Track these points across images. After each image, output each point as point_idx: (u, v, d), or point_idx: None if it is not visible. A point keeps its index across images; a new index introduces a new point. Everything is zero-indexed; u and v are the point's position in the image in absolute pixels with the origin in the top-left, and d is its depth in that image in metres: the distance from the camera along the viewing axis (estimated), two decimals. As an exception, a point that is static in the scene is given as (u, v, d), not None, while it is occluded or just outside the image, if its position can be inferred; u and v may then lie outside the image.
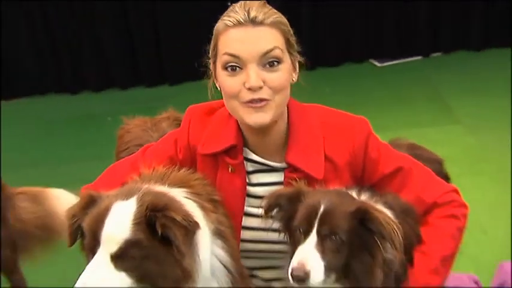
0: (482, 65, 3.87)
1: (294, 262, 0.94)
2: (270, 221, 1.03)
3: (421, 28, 4.30)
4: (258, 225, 1.16)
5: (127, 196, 0.95)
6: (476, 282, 1.59)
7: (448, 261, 1.13)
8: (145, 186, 1.01)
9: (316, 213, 0.95)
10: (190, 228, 0.93)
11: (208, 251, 1.02)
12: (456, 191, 1.19)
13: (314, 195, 1.01)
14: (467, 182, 2.33)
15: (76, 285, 0.90)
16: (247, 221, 1.18)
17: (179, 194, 1.02)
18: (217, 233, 1.06)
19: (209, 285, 1.03)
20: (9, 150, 3.13)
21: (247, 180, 1.18)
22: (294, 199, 1.02)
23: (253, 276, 1.28)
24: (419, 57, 4.23)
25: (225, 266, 1.06)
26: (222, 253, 1.06)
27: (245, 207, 1.18)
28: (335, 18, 4.28)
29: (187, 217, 0.93)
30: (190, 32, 3.96)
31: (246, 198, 1.18)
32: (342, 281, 0.99)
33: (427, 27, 4.30)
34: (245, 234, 1.19)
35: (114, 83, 4.40)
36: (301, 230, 0.97)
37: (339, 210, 0.96)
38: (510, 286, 1.59)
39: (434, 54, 4.24)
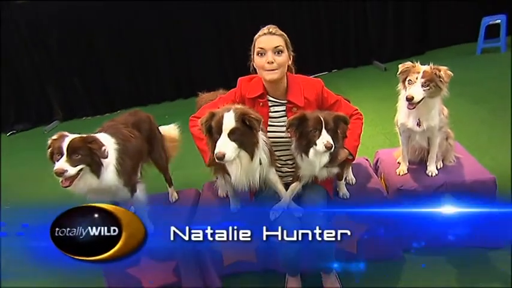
0: (357, 74, 5.18)
1: (324, 141, 1.47)
2: (284, 128, 1.62)
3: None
4: (274, 130, 1.71)
5: (228, 110, 1.47)
6: (367, 160, 2.23)
7: (357, 147, 1.71)
8: (233, 106, 1.53)
9: (321, 120, 1.49)
10: (259, 120, 1.49)
11: (260, 136, 1.55)
12: (357, 109, 1.78)
13: (312, 114, 1.52)
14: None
15: (216, 150, 1.42)
16: (269, 128, 1.71)
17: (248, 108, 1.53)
18: (261, 129, 1.57)
19: (262, 152, 1.58)
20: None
21: (269, 110, 1.72)
22: (300, 119, 1.55)
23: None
24: (325, 72, 5.24)
25: (265, 142, 1.61)
26: (263, 137, 1.60)
27: (269, 122, 1.71)
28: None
29: (257, 116, 1.50)
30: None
31: (269, 118, 1.71)
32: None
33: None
34: (268, 135, 1.68)
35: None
36: (315, 130, 1.49)
37: (329, 117, 1.51)
38: (382, 162, 2.11)
39: (325, 72, 5.26)
